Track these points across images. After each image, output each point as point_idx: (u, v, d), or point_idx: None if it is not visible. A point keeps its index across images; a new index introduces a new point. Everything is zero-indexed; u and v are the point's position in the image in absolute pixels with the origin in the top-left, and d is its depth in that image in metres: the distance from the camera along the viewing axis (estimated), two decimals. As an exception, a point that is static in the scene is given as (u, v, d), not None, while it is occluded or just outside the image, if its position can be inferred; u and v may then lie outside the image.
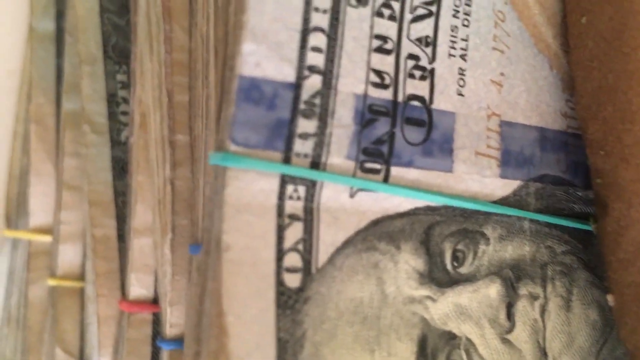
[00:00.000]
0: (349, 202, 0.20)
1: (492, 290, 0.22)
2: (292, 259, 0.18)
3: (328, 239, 0.19)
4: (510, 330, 0.22)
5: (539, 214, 0.23)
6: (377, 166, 0.20)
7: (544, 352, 0.23)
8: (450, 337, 0.21)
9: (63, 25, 0.38)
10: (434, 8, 0.21)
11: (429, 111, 0.21)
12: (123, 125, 0.34)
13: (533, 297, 0.23)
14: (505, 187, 0.22)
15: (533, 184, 0.23)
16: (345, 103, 0.19)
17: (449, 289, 0.21)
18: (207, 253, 0.18)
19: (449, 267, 0.21)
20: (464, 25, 0.22)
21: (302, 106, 0.18)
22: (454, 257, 0.21)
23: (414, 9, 0.20)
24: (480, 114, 0.22)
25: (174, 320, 0.29)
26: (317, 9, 0.18)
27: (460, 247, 0.22)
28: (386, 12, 0.20)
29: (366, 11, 0.19)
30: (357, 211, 0.20)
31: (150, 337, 0.31)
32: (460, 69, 0.21)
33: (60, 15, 0.38)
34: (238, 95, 0.18)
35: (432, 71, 0.21)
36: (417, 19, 0.21)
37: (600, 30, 0.22)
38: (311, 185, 0.19)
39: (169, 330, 0.29)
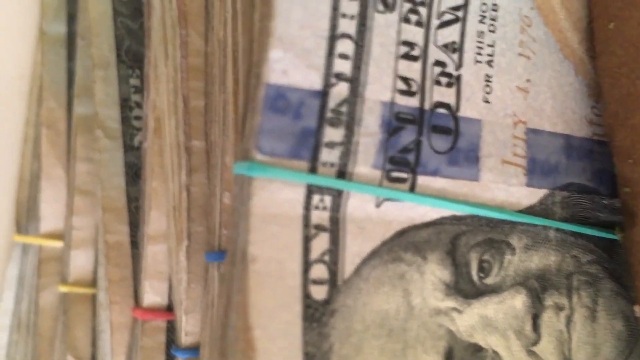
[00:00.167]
0: (375, 212, 0.19)
1: (518, 301, 0.22)
2: (319, 271, 0.18)
3: (354, 249, 0.19)
4: (536, 342, 0.22)
5: (564, 222, 0.23)
6: (403, 175, 0.19)
7: (569, 364, 0.23)
8: (477, 349, 0.21)
9: (74, 29, 0.37)
10: (460, 13, 0.20)
11: (456, 119, 0.20)
12: (136, 130, 0.33)
13: (559, 308, 0.23)
14: (531, 195, 0.22)
15: (559, 193, 0.23)
16: (372, 111, 0.19)
17: (474, 300, 0.21)
18: (232, 264, 0.18)
19: (474, 277, 0.21)
20: (490, 30, 0.21)
21: (328, 114, 0.18)
22: (480, 268, 0.21)
23: (440, 14, 0.20)
24: (506, 121, 0.21)
25: (189, 329, 0.29)
26: (344, 15, 0.18)
27: (486, 257, 0.21)
28: (413, 17, 0.19)
29: (393, 17, 0.19)
30: (383, 221, 0.19)
31: (164, 345, 0.31)
32: (487, 75, 0.21)
33: (71, 19, 0.38)
34: (264, 104, 0.17)
35: (458, 78, 0.20)
36: (444, 24, 0.20)
37: (629, 37, 0.22)
38: (337, 195, 0.18)
39: (184, 339, 0.29)
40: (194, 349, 0.28)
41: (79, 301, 0.35)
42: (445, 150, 0.20)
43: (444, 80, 0.20)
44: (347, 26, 0.18)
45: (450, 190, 0.20)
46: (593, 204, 0.24)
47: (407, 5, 0.19)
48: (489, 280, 0.21)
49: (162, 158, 0.31)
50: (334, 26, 0.18)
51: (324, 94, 0.18)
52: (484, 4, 0.21)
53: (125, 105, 0.33)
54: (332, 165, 0.18)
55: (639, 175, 0.21)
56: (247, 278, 0.17)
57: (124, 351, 0.32)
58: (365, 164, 0.19)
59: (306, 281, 0.18)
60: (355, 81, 0.18)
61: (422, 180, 0.20)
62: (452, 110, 0.20)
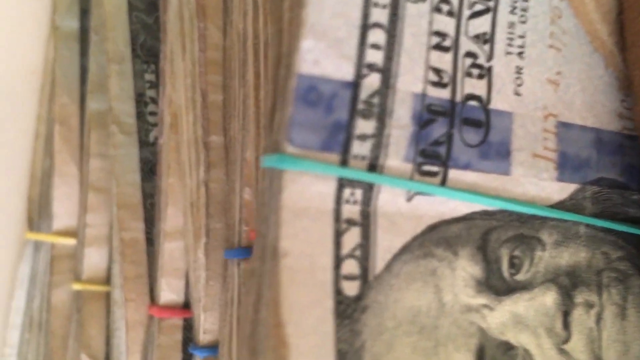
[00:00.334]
0: (405, 206, 0.19)
1: (549, 298, 0.21)
2: (350, 266, 0.18)
3: (385, 244, 0.18)
4: (567, 340, 0.21)
5: (594, 218, 0.22)
6: (434, 169, 0.19)
7: (599, 363, 0.22)
8: (508, 347, 0.20)
9: (87, 24, 0.37)
10: (492, 3, 0.20)
11: (487, 111, 0.20)
12: (151, 126, 0.33)
13: (589, 305, 0.22)
14: (562, 190, 0.21)
15: (589, 188, 0.22)
16: (404, 102, 0.18)
17: (505, 297, 0.20)
18: (261, 260, 0.17)
19: (505, 274, 0.20)
20: (521, 21, 0.21)
21: (360, 106, 0.18)
22: (511, 264, 0.21)
23: (472, 4, 0.20)
24: (537, 114, 0.21)
25: (207, 327, 0.28)
26: (376, 4, 0.18)
27: (517, 253, 0.21)
28: (444, 7, 0.19)
29: (425, 6, 0.19)
30: (414, 215, 0.19)
31: (181, 343, 0.30)
32: (518, 67, 0.21)
33: (84, 14, 0.37)
34: (296, 95, 0.17)
35: (489, 69, 0.20)
36: (475, 15, 0.20)
37: (662, 28, 0.21)
38: (368, 189, 0.18)
39: (203, 337, 0.28)
40: (213, 347, 0.28)
41: (92, 299, 0.34)
42: (477, 144, 0.20)
43: (475, 71, 0.20)
44: (379, 15, 0.18)
45: (481, 185, 0.20)
46: (623, 199, 0.23)
47: (439, -5, 0.19)
48: (520, 277, 0.21)
49: (178, 154, 0.30)
50: (366, 15, 0.17)
51: (355, 85, 0.17)
52: (515, -6, 0.20)
53: (140, 100, 0.33)
54: (363, 158, 0.18)
55: (672, 170, 0.21)
56: (278, 273, 0.16)
57: (139, 349, 0.32)
58: (397, 157, 0.18)
59: (337, 277, 0.17)
60: (387, 72, 0.18)
61: (453, 174, 0.19)
62: (483, 103, 0.20)
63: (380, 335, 0.18)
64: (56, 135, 0.36)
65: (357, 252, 0.18)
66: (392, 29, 0.18)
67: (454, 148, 0.19)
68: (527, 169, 0.21)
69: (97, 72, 0.35)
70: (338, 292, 0.17)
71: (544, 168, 0.21)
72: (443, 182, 0.19)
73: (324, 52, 0.17)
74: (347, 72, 0.17)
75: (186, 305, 0.31)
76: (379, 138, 0.18)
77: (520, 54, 0.21)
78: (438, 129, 0.19)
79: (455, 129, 0.19)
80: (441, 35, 0.19)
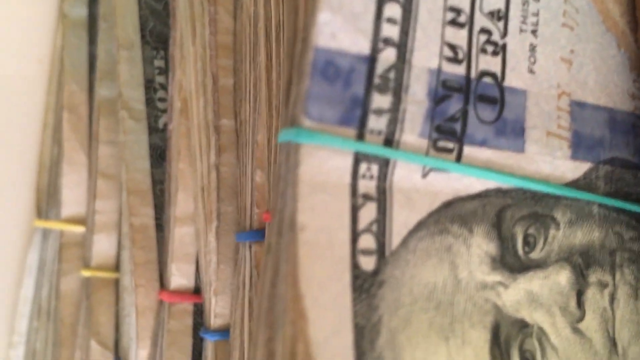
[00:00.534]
0: (421, 182, 0.19)
1: (562, 277, 0.21)
2: (367, 241, 0.18)
3: (401, 220, 0.18)
4: (581, 319, 0.21)
5: (608, 198, 0.22)
6: (450, 145, 0.19)
7: (613, 342, 0.22)
8: (523, 325, 0.20)
9: (95, 12, 0.37)
10: (506, -20, 0.20)
11: (501, 88, 0.20)
12: (160, 112, 0.33)
13: (602, 285, 0.22)
14: (576, 169, 0.21)
15: (603, 167, 0.22)
16: (420, 78, 0.18)
17: (520, 275, 0.20)
18: (278, 234, 0.17)
19: (520, 252, 0.20)
20: (535, -1, 0.21)
21: (376, 80, 0.18)
22: (525, 242, 0.21)
23: (486, -19, 0.20)
24: (550, 93, 0.21)
25: (218, 310, 0.28)
26: (392, -22, 0.18)
27: (531, 231, 0.21)
28: (460, -17, 0.19)
29: (440, -18, 0.19)
30: (430, 192, 0.19)
31: (191, 328, 0.30)
32: (531, 44, 0.21)
33: (92, 1, 0.37)
34: (313, 68, 0.17)
35: (503, 47, 0.20)
36: (490, -9, 0.20)
37: (676, 6, 0.21)
38: (384, 164, 0.18)
39: (214, 321, 0.28)
40: (224, 330, 0.28)
41: (101, 286, 0.35)
42: (492, 121, 0.20)
43: (489, 48, 0.20)
44: (396, -10, 0.18)
45: (496, 162, 0.20)
46: (635, 179, 0.23)
47: (454, -29, 0.19)
48: (534, 255, 0.21)
49: (188, 139, 0.30)
50: (382, -11, 0.17)
51: (372, 60, 0.17)
52: (529, -29, 0.20)
53: (150, 86, 0.33)
54: (379, 133, 0.18)
55: (686, 148, 0.21)
56: (296, 247, 0.16)
57: (149, 335, 0.32)
58: (412, 132, 0.18)
59: (355, 251, 0.17)
60: (402, 47, 0.18)
61: (468, 150, 0.19)
62: (498, 80, 0.20)
63: (397, 310, 0.18)
64: (65, 123, 0.36)
65: (374, 227, 0.18)
66: (408, 4, 0.18)
67: (469, 124, 0.19)
68: (542, 147, 0.21)
69: (106, 60, 0.35)
70: (355, 266, 0.17)
71: (557, 146, 0.21)
72: (458, 159, 0.19)
73: (341, 26, 0.17)
74: (363, 46, 0.17)
75: (196, 291, 0.31)
76: (394, 113, 0.18)
77: (533, 31, 0.21)
78: (453, 105, 0.19)
79: (470, 105, 0.19)
80: (456, 10, 0.19)
